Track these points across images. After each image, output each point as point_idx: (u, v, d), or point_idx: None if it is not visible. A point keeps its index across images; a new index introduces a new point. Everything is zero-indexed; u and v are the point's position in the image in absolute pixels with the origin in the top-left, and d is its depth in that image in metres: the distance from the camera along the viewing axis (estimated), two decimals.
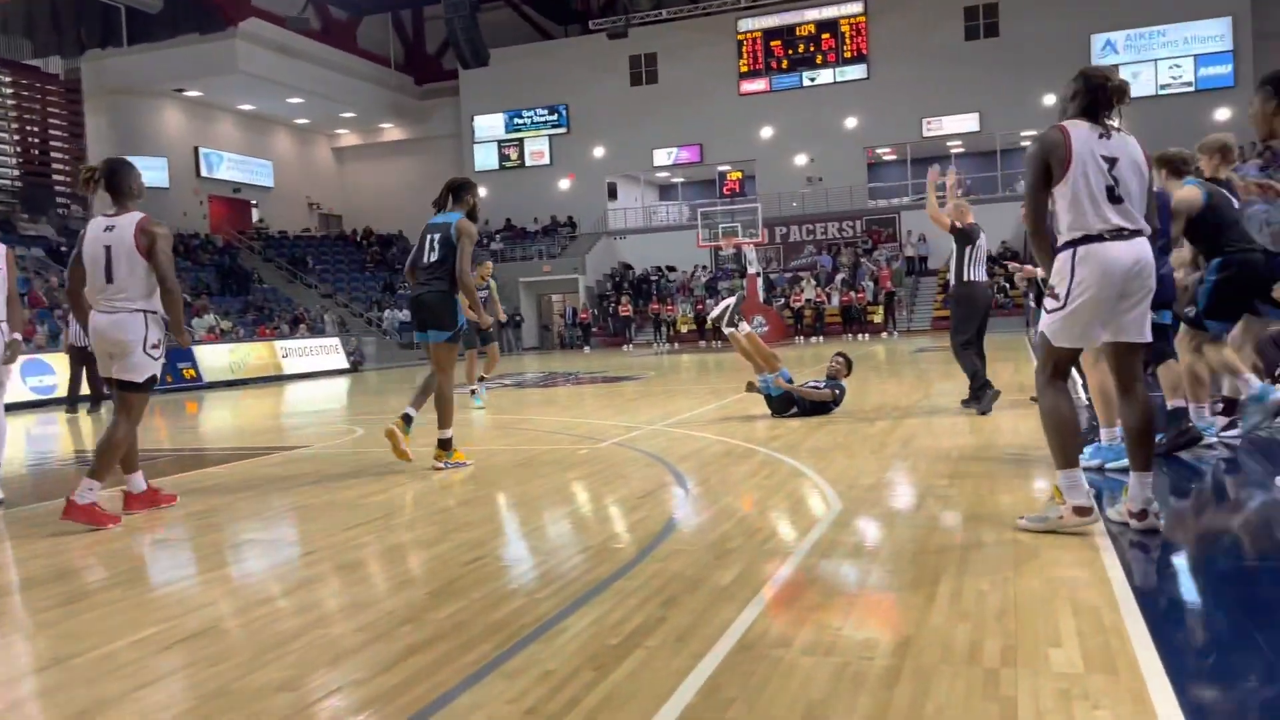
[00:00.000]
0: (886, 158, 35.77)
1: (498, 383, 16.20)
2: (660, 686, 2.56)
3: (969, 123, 32.72)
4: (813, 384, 8.95)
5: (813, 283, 29.67)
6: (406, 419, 6.72)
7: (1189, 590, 3.49)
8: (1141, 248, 3.76)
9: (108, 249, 5.33)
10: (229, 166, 35.03)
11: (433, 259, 6.57)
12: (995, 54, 31.94)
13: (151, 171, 31.90)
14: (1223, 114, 29.72)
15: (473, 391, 11.31)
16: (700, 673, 2.64)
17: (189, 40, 30.26)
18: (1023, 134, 33.03)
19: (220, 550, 4.79)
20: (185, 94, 32.67)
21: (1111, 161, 3.76)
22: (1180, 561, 3.77)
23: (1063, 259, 3.81)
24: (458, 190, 6.77)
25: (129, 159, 5.84)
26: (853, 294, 29.07)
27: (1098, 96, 3.83)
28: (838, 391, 8.73)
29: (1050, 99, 31.33)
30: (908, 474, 5.64)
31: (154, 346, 5.44)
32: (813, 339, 27.45)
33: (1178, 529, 4.17)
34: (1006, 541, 3.88)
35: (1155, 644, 2.66)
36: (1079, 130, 3.78)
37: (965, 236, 8.28)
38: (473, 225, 6.71)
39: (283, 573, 4.16)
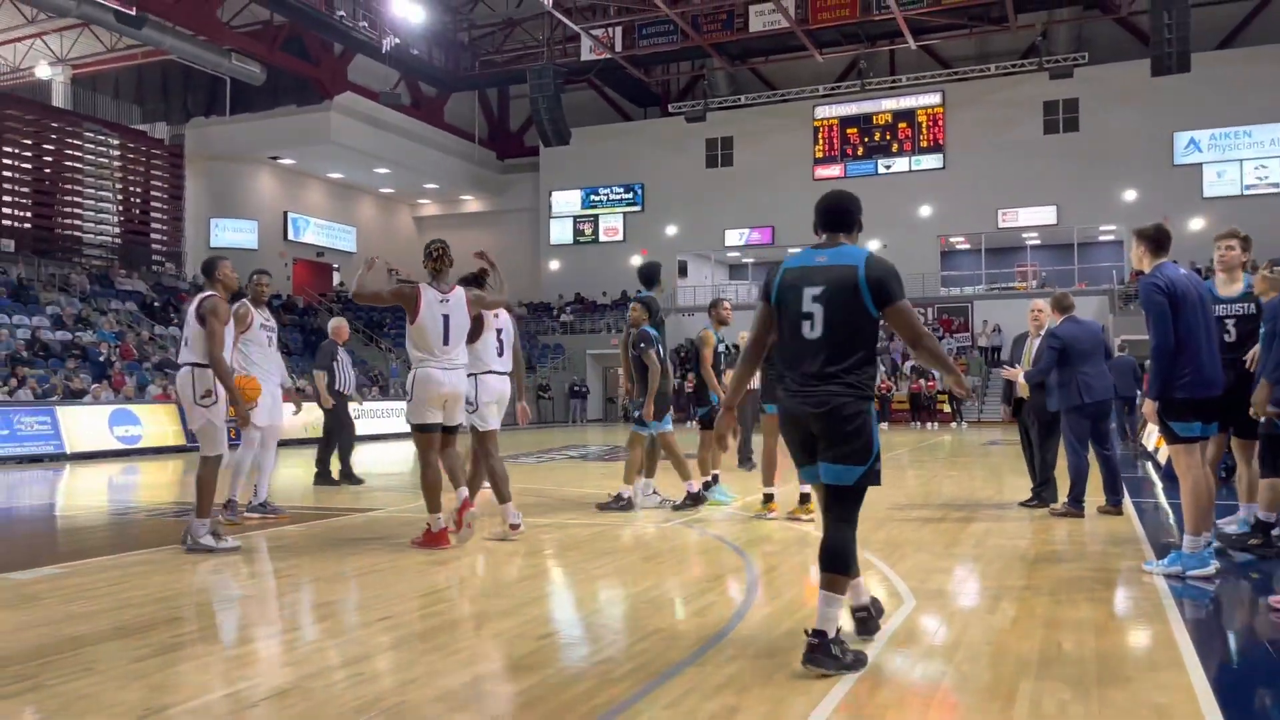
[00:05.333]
0: (960, 247, 35.65)
1: (563, 454, 16.32)
2: None
3: (1046, 215, 32.52)
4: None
5: (881, 369, 29.48)
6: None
7: None
8: None
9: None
10: (315, 231, 36.32)
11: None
12: (1074, 148, 31.85)
13: (242, 234, 33.27)
14: None
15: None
16: None
17: (287, 111, 31.73)
18: (1101, 228, 32.72)
19: (300, 610, 4.91)
20: (279, 161, 34.12)
21: None
22: (1273, 680, 3.66)
23: None
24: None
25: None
26: (922, 382, 28.79)
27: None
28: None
29: (1132, 194, 31.07)
30: (981, 572, 5.56)
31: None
32: (880, 425, 27.16)
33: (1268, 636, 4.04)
34: (1088, 649, 3.81)
35: None
36: None
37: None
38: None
39: (360, 637, 4.25)
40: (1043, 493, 8.31)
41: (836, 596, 3.61)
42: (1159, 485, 10.38)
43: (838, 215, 3.94)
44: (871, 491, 3.92)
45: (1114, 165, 31.01)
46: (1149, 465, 12.59)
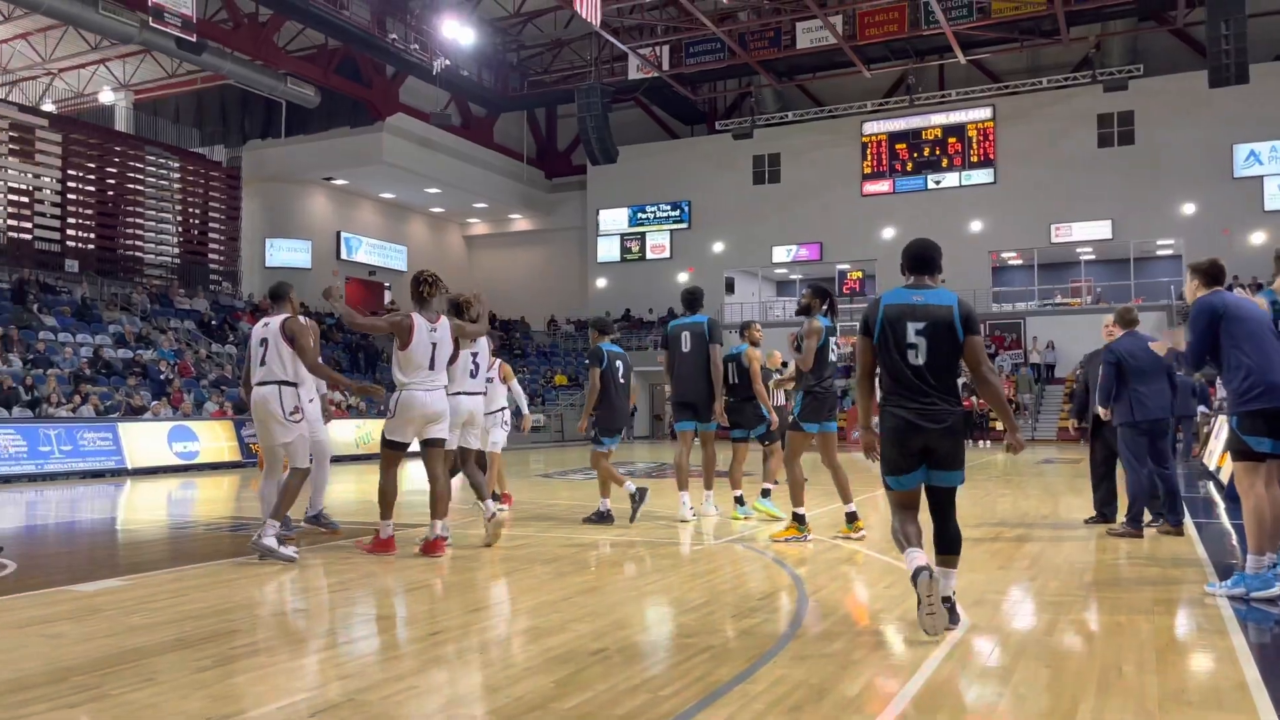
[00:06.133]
0: (1012, 262, 35.16)
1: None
2: None
3: (1101, 229, 31.95)
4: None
5: None
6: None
7: None
8: None
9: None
10: (367, 250, 36.89)
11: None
12: (1130, 161, 31.29)
13: (296, 253, 33.90)
14: None
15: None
16: None
17: (340, 133, 32.32)
18: (1159, 242, 32.06)
19: (354, 623, 4.98)
20: (333, 182, 34.74)
21: None
22: None
23: None
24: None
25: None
26: (974, 399, 28.40)
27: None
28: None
29: (1190, 208, 30.43)
30: (1037, 593, 5.47)
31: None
32: (1017, 453, 26.78)
33: None
34: (1149, 673, 3.73)
35: None
36: None
37: None
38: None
39: (415, 650, 4.30)
40: (1105, 510, 8.20)
41: (954, 571, 4.62)
42: (1221, 505, 10.13)
43: (925, 261, 4.70)
44: (923, 513, 4.65)
45: (1171, 178, 30.41)
46: (1210, 485, 12.29)
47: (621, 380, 8.73)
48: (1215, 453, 11.18)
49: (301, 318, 7.12)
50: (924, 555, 4.40)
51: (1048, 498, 11.17)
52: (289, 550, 6.64)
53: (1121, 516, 7.78)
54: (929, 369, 4.44)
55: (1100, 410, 7.78)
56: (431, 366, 6.84)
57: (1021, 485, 13.03)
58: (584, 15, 8.91)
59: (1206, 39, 25.45)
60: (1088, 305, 32.25)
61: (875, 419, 4.71)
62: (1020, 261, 34.76)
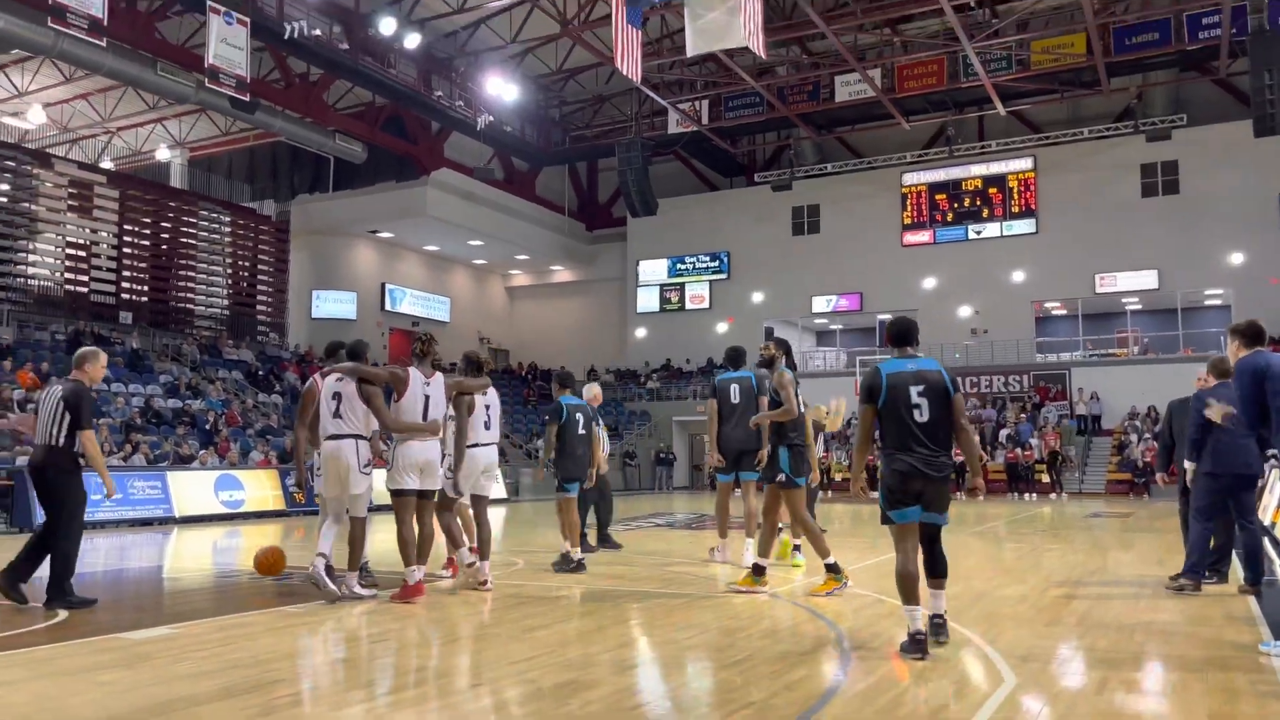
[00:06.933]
0: (1056, 312, 34.80)
1: (649, 522, 16.29)
2: None
3: (1147, 279, 31.56)
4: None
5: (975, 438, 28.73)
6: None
7: None
8: None
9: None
10: (410, 301, 37.45)
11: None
12: (1175, 211, 30.96)
13: (341, 304, 34.50)
14: None
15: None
16: None
17: (387, 187, 33.03)
18: (1207, 292, 31.59)
19: (396, 674, 5.01)
20: (378, 235, 35.43)
21: None
22: None
23: None
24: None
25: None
26: (1019, 451, 27.97)
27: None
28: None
29: (1239, 257, 30.00)
30: (1086, 650, 5.36)
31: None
32: (977, 495, 26.40)
33: None
34: None
35: None
36: None
37: None
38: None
39: (455, 701, 4.32)
40: (1220, 565, 7.84)
41: (944, 592, 5.50)
42: (1277, 561, 9.86)
43: (907, 335, 5.55)
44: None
45: (1218, 227, 30.02)
46: (1266, 541, 11.96)
47: (582, 431, 9.18)
48: (1270, 508, 10.91)
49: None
50: (923, 617, 5.20)
51: (1096, 552, 10.94)
52: (371, 592, 7.29)
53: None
54: (932, 424, 5.26)
55: (1187, 464, 7.58)
56: (424, 419, 7.25)
57: (1069, 539, 12.78)
58: (625, 72, 9.14)
59: (1250, 89, 25.34)
60: (1134, 356, 31.78)
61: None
62: (1064, 311, 34.39)
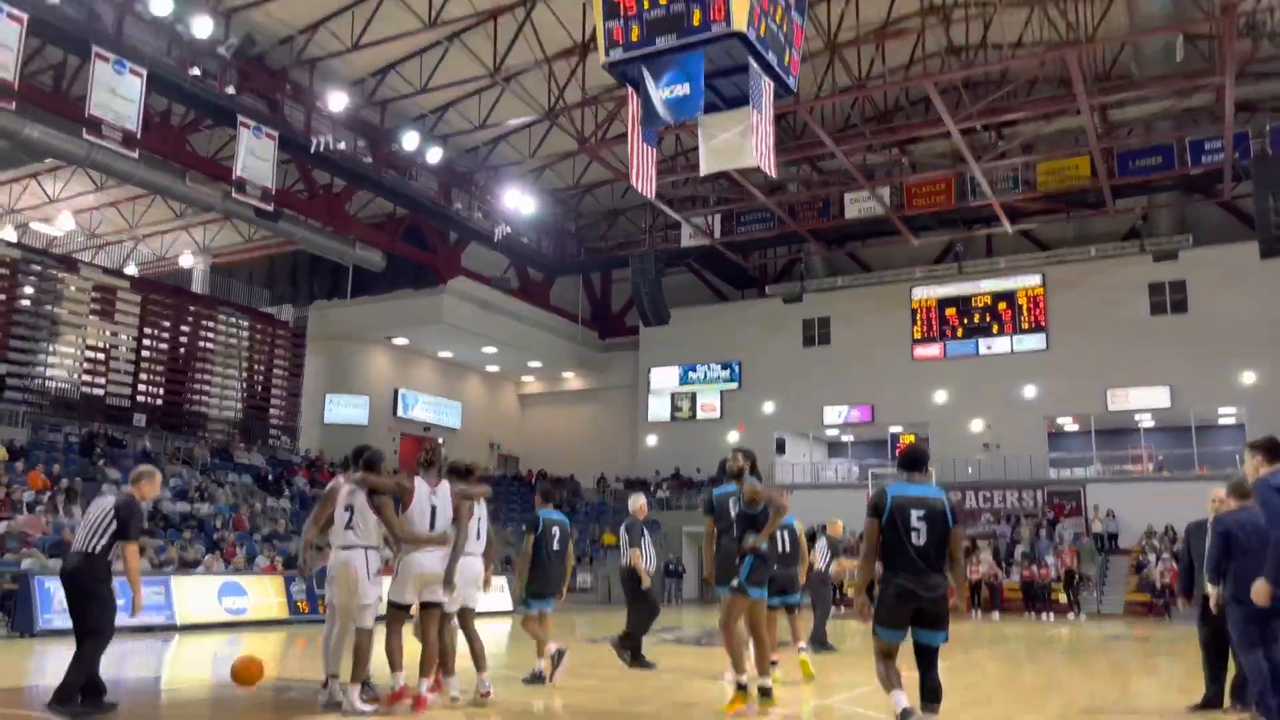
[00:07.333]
0: (1068, 428, 34.66)
1: (656, 636, 15.95)
2: None
3: (1159, 397, 31.49)
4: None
5: (989, 555, 28.22)
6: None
7: None
8: None
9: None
10: (423, 407, 37.60)
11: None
12: (1185, 329, 31.06)
13: (354, 409, 34.67)
14: None
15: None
16: None
17: (404, 295, 33.59)
18: (1220, 410, 31.45)
19: None
20: (393, 341, 35.86)
21: None
22: None
23: None
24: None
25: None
26: (1034, 568, 27.44)
27: None
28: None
29: (1250, 376, 29.97)
30: None
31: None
32: (991, 614, 25.80)
33: None
34: None
35: None
36: None
37: None
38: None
39: None
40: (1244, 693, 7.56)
41: (937, 718, 5.58)
42: None
43: (917, 460, 5.95)
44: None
45: (1229, 346, 30.06)
46: None
47: (556, 547, 9.06)
48: None
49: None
50: (906, 698, 5.46)
51: (1117, 677, 10.66)
52: (373, 707, 7.16)
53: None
54: (928, 548, 5.61)
55: (1209, 588, 7.40)
56: (432, 527, 7.26)
57: (1088, 663, 12.45)
58: (640, 189, 9.42)
59: (1255, 212, 25.73)
60: (1150, 473, 31.48)
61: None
62: (1076, 427, 34.26)
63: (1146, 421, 33.27)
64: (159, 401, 29.12)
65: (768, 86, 9.79)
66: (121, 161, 22.07)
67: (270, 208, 24.18)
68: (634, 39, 8.61)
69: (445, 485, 7.53)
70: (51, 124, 21.33)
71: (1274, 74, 26.01)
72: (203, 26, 21.64)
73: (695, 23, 8.29)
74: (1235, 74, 21.70)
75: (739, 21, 8.12)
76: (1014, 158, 27.84)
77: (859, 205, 30.86)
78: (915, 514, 5.65)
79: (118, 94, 19.93)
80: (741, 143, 9.96)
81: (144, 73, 20.44)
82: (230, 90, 23.38)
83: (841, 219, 31.46)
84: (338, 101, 25.15)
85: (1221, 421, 32.31)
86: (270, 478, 27.84)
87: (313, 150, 25.35)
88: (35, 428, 24.26)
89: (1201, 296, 31.04)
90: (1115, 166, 27.41)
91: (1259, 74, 26.07)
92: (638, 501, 10.98)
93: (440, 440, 38.62)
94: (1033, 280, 33.78)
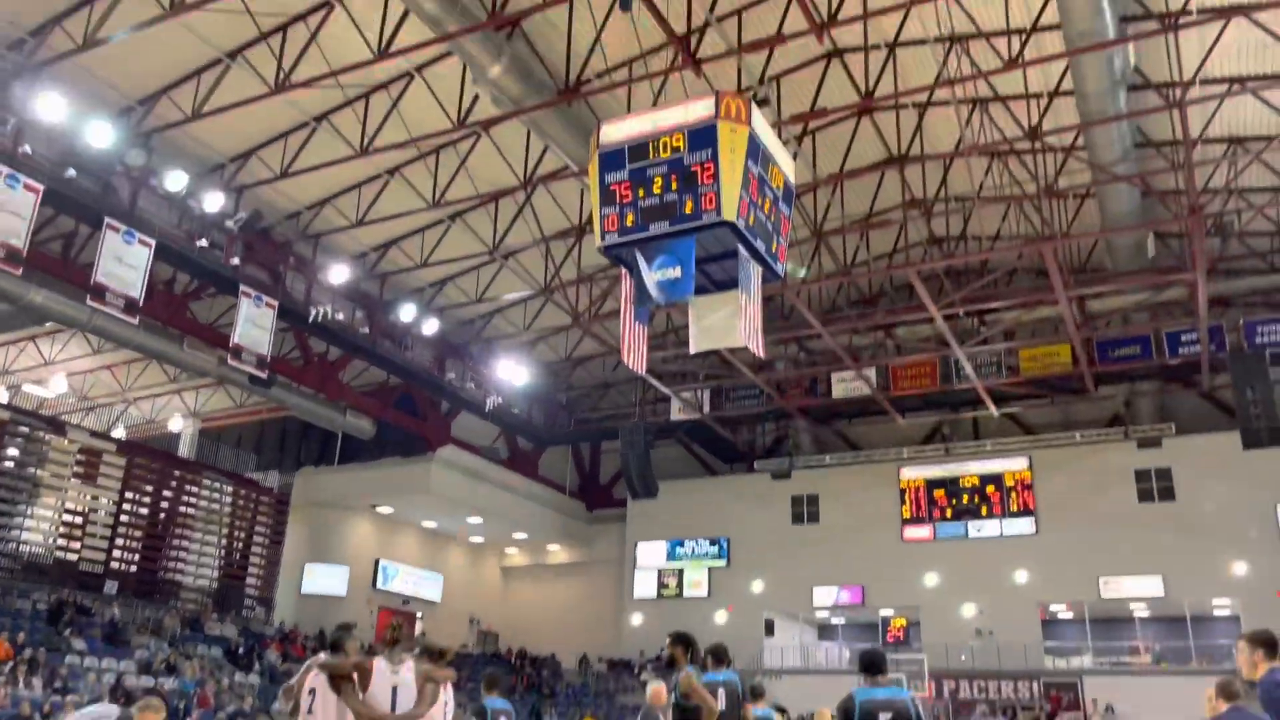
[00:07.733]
0: (1062, 615, 33.91)
1: None
2: None
3: (1152, 585, 30.92)
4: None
5: None
6: None
7: None
8: None
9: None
10: (403, 578, 36.66)
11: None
12: (1174, 517, 30.81)
13: (333, 579, 33.76)
14: None
15: None
16: None
17: (392, 463, 33.38)
18: (1215, 601, 30.88)
19: None
20: (378, 509, 35.37)
21: None
22: None
23: None
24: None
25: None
26: None
27: None
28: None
29: (1241, 567, 29.60)
30: None
31: None
32: None
33: None
34: None
35: None
36: None
37: None
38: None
39: None
40: None
41: None
42: None
43: (875, 664, 6.38)
44: None
45: (1219, 536, 29.75)
46: None
47: None
48: None
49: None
50: None
51: None
52: None
53: None
54: None
55: None
56: (393, 709, 7.00)
57: None
58: (631, 365, 9.61)
59: (1235, 404, 26.13)
60: (1148, 666, 30.62)
61: None
62: (1070, 615, 33.55)
63: (1141, 611, 32.60)
64: (133, 568, 28.42)
65: (756, 272, 10.16)
66: (121, 327, 22.39)
67: (264, 375, 24.38)
68: (629, 224, 8.97)
69: (410, 664, 7.31)
70: (55, 289, 21.75)
71: (1246, 271, 26.99)
72: (214, 201, 22.41)
73: (688, 211, 8.66)
74: (1206, 271, 22.52)
75: (729, 212, 8.48)
76: (996, 344, 28.46)
77: (846, 384, 31.30)
78: (883, 716, 6.00)
79: (124, 262, 20.42)
80: (731, 324, 10.22)
81: (153, 243, 21.00)
82: (235, 261, 24.05)
83: (829, 397, 31.83)
84: (339, 274, 25.77)
85: (1216, 613, 31.67)
86: (241, 650, 26.83)
87: (311, 320, 25.81)
88: (4, 593, 23.54)
89: (1188, 485, 31.01)
90: (1095, 354, 27.99)
91: (1229, 270, 27.05)
92: (655, 687, 10.52)
93: (419, 614, 37.55)
94: (1019, 464, 33.85)
